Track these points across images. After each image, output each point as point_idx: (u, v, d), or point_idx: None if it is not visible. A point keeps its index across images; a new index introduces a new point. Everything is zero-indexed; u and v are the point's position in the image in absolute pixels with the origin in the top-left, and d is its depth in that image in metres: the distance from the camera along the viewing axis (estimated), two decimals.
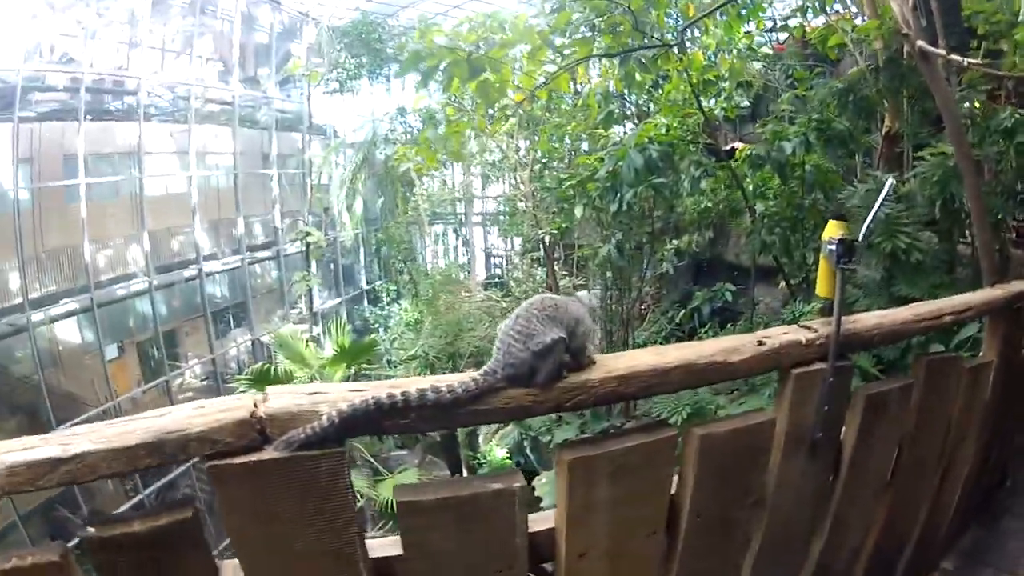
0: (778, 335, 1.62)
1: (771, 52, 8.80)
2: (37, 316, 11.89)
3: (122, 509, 11.62)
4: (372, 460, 9.42)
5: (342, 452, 1.07)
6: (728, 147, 7.77)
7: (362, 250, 19.76)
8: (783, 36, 8.84)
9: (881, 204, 1.78)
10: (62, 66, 13.15)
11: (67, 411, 11.31)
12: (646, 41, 4.49)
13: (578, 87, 8.57)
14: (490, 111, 4.71)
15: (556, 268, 12.50)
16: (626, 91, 7.69)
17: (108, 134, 13.94)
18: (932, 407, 2.00)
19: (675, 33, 5.21)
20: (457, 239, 19.95)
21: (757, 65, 8.36)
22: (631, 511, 1.40)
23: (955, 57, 2.53)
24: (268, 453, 1.04)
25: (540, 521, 1.37)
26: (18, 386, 11.78)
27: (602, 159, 6.41)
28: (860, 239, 1.66)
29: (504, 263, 19.14)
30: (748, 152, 5.85)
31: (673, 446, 1.40)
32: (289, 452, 1.04)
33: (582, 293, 1.44)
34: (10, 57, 11.65)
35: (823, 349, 1.63)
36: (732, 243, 10.58)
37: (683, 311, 10.16)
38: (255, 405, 1.07)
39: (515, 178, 12.75)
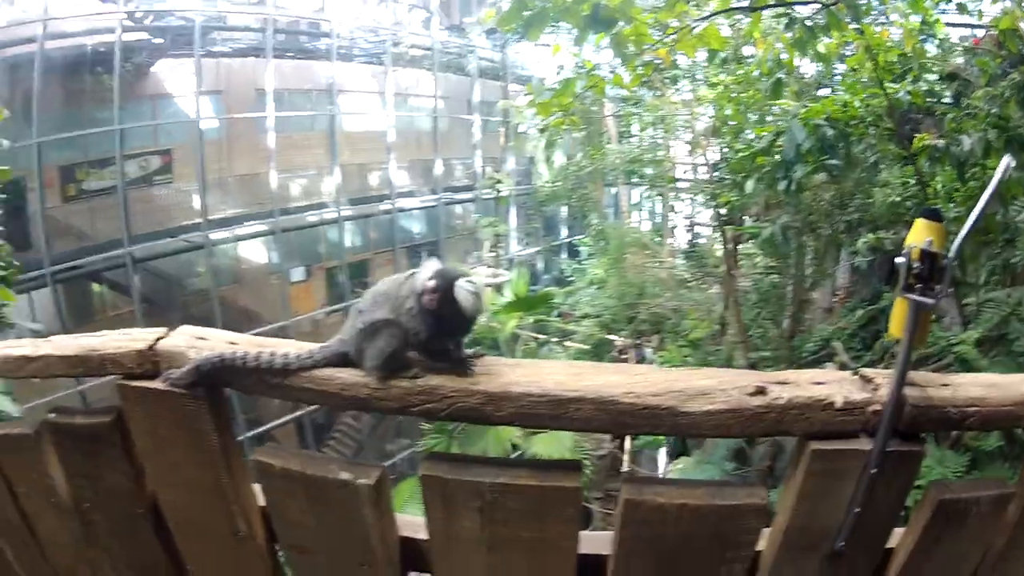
0: (802, 383, 1.05)
1: (969, 47, 7.32)
2: (218, 235, 13.39)
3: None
4: None
5: (200, 399, 1.15)
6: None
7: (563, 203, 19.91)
8: (981, 33, 7.29)
9: (990, 199, 1.06)
10: (247, 7, 14.46)
11: (240, 325, 12.24)
12: None
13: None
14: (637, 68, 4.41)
15: (740, 246, 11.61)
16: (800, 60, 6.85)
17: (305, 71, 15.27)
18: None
19: None
20: (664, 204, 19.31)
21: (960, 60, 7.05)
22: (515, 562, 1.13)
23: None
24: (155, 383, 1.17)
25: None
26: (195, 298, 13.62)
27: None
28: (951, 255, 0.99)
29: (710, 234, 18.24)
30: (924, 143, 4.97)
31: (572, 502, 1.08)
32: (166, 387, 1.15)
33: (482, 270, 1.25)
34: None
35: (876, 419, 1.02)
36: None
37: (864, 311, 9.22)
38: (155, 340, 1.21)
39: (701, 148, 12.12)
